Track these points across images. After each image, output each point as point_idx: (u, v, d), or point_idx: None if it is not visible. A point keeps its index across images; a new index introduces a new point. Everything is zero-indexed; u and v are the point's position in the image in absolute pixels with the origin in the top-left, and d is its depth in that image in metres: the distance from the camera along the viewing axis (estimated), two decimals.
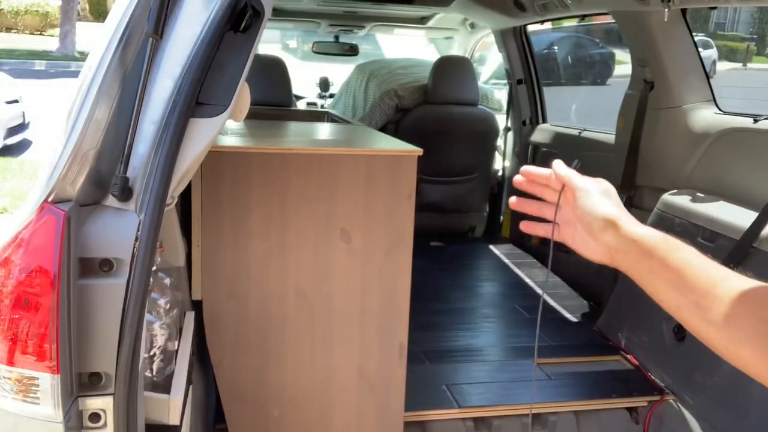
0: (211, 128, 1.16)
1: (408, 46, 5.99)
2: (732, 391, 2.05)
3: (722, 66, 15.09)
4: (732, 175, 2.36)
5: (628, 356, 2.55)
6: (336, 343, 1.91)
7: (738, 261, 2.04)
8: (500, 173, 4.39)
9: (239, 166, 1.77)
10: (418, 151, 1.86)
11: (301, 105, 4.99)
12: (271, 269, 1.83)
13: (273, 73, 3.75)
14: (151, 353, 1.43)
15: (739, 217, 2.11)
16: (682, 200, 2.43)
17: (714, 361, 2.11)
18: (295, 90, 4.43)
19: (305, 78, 5.68)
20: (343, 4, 4.00)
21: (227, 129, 2.06)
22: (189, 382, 1.45)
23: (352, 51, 4.79)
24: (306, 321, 1.88)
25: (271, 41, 7.78)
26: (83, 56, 14.22)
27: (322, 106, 5.04)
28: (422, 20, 4.51)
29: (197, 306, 1.81)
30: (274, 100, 3.61)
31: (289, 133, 2.38)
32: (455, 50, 4.89)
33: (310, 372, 1.91)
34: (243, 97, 1.26)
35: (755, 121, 2.35)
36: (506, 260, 3.80)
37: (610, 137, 3.10)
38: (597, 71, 13.24)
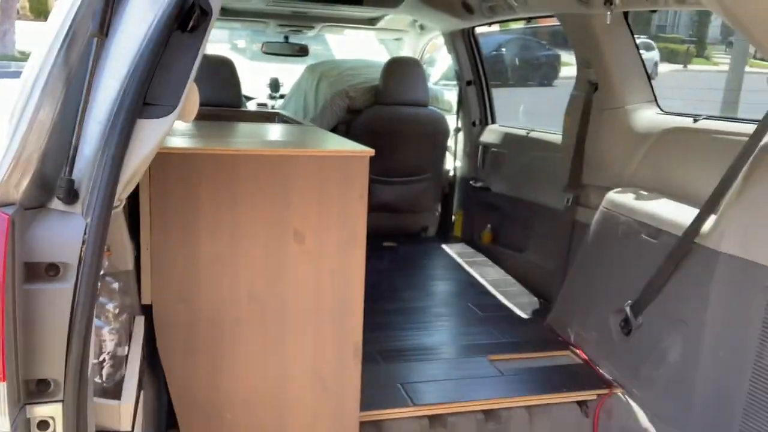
0: (159, 129, 1.15)
1: (358, 47, 6.00)
2: (676, 383, 2.12)
3: (664, 67, 15.55)
4: (673, 173, 2.44)
5: (578, 351, 2.61)
6: (290, 345, 1.90)
7: (680, 256, 2.12)
8: (452, 173, 4.44)
9: (188, 167, 1.74)
10: (370, 151, 1.87)
11: (251, 106, 4.94)
12: (222, 271, 1.81)
13: (222, 73, 3.71)
14: (101, 359, 1.40)
15: (681, 214, 2.18)
16: (626, 198, 2.50)
17: (660, 355, 2.18)
18: (245, 91, 4.39)
19: (255, 79, 5.63)
20: (292, 5, 3.98)
21: (176, 130, 2.03)
22: (140, 387, 1.42)
23: (302, 51, 4.77)
24: (259, 323, 1.86)
25: (219, 41, 7.69)
26: (24, 56, 13.78)
27: (273, 107, 5.01)
28: (372, 21, 4.52)
29: (147, 310, 1.78)
30: (223, 101, 3.57)
31: (239, 134, 2.36)
32: (405, 51, 4.92)
33: (264, 374, 1.90)
34: (191, 97, 1.25)
35: (695, 120, 2.44)
36: (458, 259, 3.84)
37: (557, 137, 3.16)
38: (544, 73, 13.50)
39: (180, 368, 1.83)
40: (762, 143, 1.91)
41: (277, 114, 3.78)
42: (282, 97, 5.14)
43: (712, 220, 2.03)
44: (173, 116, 1.16)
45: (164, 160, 1.66)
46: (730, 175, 1.98)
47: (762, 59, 1.83)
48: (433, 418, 2.20)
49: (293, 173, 1.81)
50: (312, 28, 4.59)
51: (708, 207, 2.04)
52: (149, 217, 1.74)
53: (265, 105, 5.10)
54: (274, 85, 5.25)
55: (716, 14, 1.84)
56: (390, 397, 2.21)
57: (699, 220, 2.06)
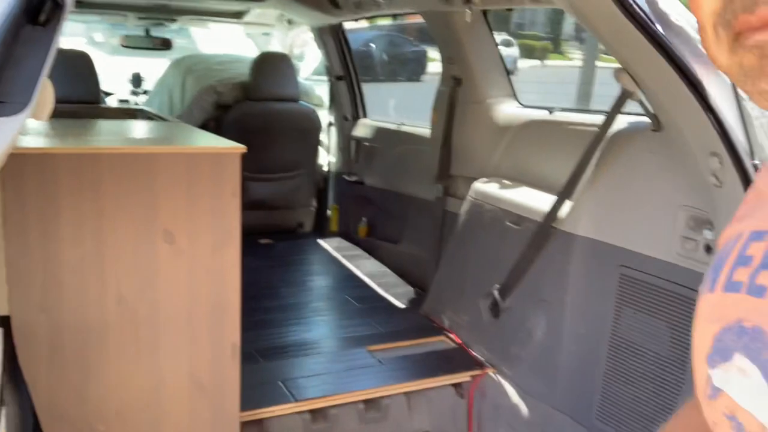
0: (10, 128, 1.08)
1: (225, 42, 5.86)
2: (542, 360, 2.26)
3: (523, 63, 16.39)
4: (532, 162, 2.60)
5: (452, 336, 2.72)
6: (163, 350, 1.84)
7: (541, 240, 2.26)
8: (325, 168, 4.45)
9: (45, 169, 1.64)
10: (242, 148, 1.85)
11: (111, 102, 4.71)
12: (87, 277, 1.72)
13: (79, 68, 3.51)
14: None
15: (540, 201, 2.33)
16: (491, 188, 2.63)
17: (526, 334, 2.32)
18: (104, 86, 4.17)
19: (115, 73, 5.36)
20: None
21: (30, 129, 1.91)
22: (1, 403, 1.33)
23: (164, 45, 4.59)
24: (129, 329, 1.79)
25: (75, 35, 7.25)
26: None
27: (136, 103, 4.80)
28: (237, 15, 4.44)
29: (5, 321, 1.66)
30: (81, 98, 3.37)
31: (100, 131, 2.24)
32: (274, 46, 4.87)
33: (137, 382, 1.83)
34: (45, 94, 1.18)
35: (550, 113, 2.60)
36: (335, 253, 3.87)
37: (426, 131, 3.26)
38: (413, 68, 13.82)
39: (45, 381, 1.73)
40: (610, 133, 2.07)
41: (141, 110, 3.63)
42: (145, 92, 4.92)
43: (568, 205, 2.18)
44: (24, 114, 1.09)
45: (17, 161, 1.56)
46: (582, 164, 2.13)
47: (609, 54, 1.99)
48: (315, 412, 2.21)
49: (161, 172, 1.75)
50: (174, 21, 4.44)
51: (564, 194, 2.18)
52: (2, 224, 1.62)
53: (126, 101, 4.88)
54: (136, 80, 5.03)
55: (567, 13, 1.98)
56: (271, 395, 2.20)
57: (556, 206, 2.20)
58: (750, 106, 1.63)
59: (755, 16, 0.46)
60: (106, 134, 2.21)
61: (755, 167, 1.60)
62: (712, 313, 0.57)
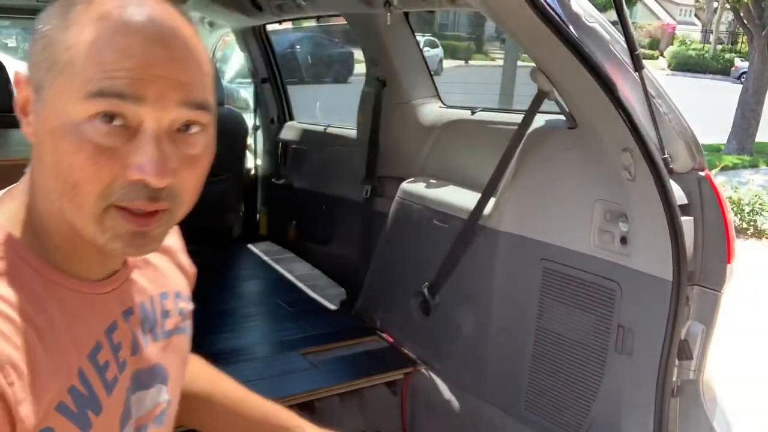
0: None
1: None
2: (472, 355, 2.31)
3: (448, 63, 16.64)
4: (457, 162, 2.65)
5: (384, 335, 2.74)
6: None
7: (467, 238, 2.31)
8: (253, 172, 4.40)
9: None
10: None
11: None
12: None
13: None
14: None
15: (466, 199, 2.38)
16: (418, 187, 2.66)
17: (455, 330, 2.36)
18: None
19: None
20: None
21: None
22: None
23: None
24: None
25: None
26: None
27: None
28: None
29: None
30: None
31: (12, 142, 2.15)
32: None
33: None
34: None
35: (473, 113, 2.65)
36: (265, 257, 3.83)
37: (352, 132, 3.28)
38: (339, 69, 13.81)
39: None
40: (528, 131, 2.14)
41: None
42: None
43: (491, 203, 2.24)
44: None
45: None
46: (503, 162, 2.19)
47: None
48: None
49: None
50: None
51: (488, 191, 2.24)
52: None
53: None
54: None
55: (485, 15, 2.03)
56: None
57: (481, 204, 2.25)
58: (659, 103, 1.71)
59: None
60: (20, 144, 2.12)
61: (665, 161, 1.69)
62: None
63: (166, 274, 0.99)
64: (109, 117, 0.68)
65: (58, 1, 0.73)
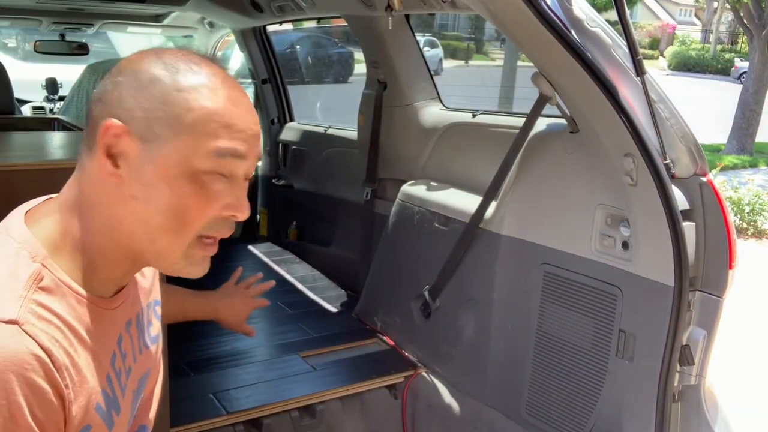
0: None
1: (146, 45, 5.71)
2: (472, 358, 2.30)
3: (448, 63, 16.63)
4: (458, 164, 2.64)
5: (384, 338, 2.74)
6: None
7: (468, 241, 2.30)
8: (254, 172, 4.39)
9: None
10: None
11: (25, 111, 4.51)
12: None
13: None
14: None
15: (467, 203, 2.37)
16: (419, 190, 2.66)
17: (456, 333, 2.36)
18: (18, 94, 3.99)
19: (30, 80, 5.14)
20: (66, 2, 3.69)
21: None
22: None
23: (81, 50, 4.43)
24: None
25: None
26: None
27: (52, 110, 4.61)
28: (157, 18, 4.32)
29: None
30: None
31: (13, 146, 2.15)
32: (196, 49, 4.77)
33: None
34: None
35: (474, 116, 2.65)
36: (266, 258, 3.83)
37: (353, 134, 3.27)
38: (340, 70, 13.80)
39: None
40: (530, 135, 2.13)
41: (57, 119, 3.49)
42: (62, 99, 4.74)
43: (493, 206, 2.23)
44: None
45: None
46: (505, 165, 2.18)
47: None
48: (248, 423, 2.18)
49: None
50: (91, 25, 4.29)
51: (489, 195, 2.23)
52: None
53: (42, 108, 4.68)
54: (52, 86, 4.83)
55: (487, 19, 2.02)
56: (202, 409, 2.16)
57: (482, 208, 2.25)
58: (661, 108, 1.71)
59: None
60: (20, 149, 2.12)
61: (667, 167, 1.68)
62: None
63: (152, 285, 1.12)
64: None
65: (155, 59, 0.86)
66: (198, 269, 0.91)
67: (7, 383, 0.72)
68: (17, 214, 0.90)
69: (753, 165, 11.44)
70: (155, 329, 1.11)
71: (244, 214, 0.88)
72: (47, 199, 0.94)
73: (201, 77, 0.85)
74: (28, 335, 0.75)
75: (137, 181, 0.84)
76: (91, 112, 0.88)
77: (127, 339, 0.96)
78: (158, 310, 1.14)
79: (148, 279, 1.09)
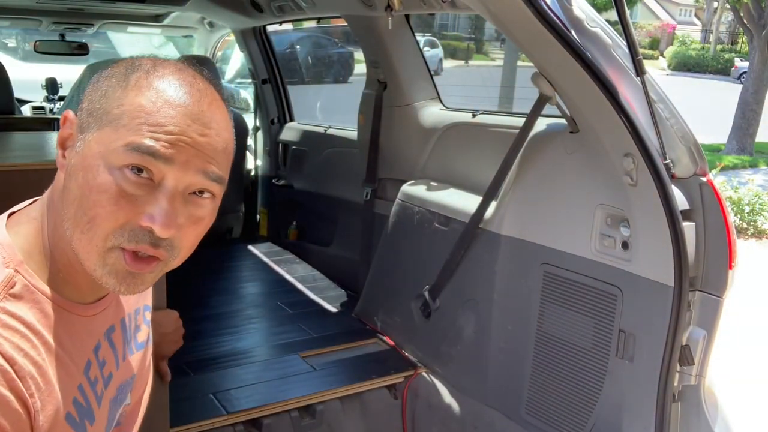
0: None
1: (146, 45, 5.72)
2: (473, 358, 2.30)
3: (448, 63, 16.63)
4: (458, 165, 2.64)
5: (384, 337, 2.74)
6: None
7: (468, 241, 2.30)
8: (253, 172, 4.40)
9: None
10: None
11: (26, 111, 4.51)
12: None
13: None
14: None
15: (467, 203, 2.37)
16: (419, 190, 2.66)
17: (456, 333, 2.36)
18: (18, 94, 3.99)
19: (30, 80, 5.15)
20: (66, 2, 3.69)
21: None
22: None
23: (81, 50, 4.43)
24: None
25: None
26: None
27: (52, 111, 4.61)
28: (157, 18, 4.33)
29: None
30: None
31: (13, 146, 2.15)
32: (196, 49, 4.77)
33: None
34: None
35: (473, 116, 2.65)
36: (266, 259, 3.83)
37: (353, 134, 3.27)
38: (339, 70, 13.79)
39: None
40: (530, 135, 2.13)
41: (57, 119, 3.49)
42: (62, 99, 4.74)
43: (493, 206, 2.23)
44: None
45: None
46: (505, 165, 2.18)
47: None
48: (248, 423, 2.18)
49: None
50: (91, 25, 4.29)
51: (489, 195, 2.23)
52: None
53: (42, 109, 4.68)
54: (52, 85, 4.83)
55: (487, 19, 2.02)
56: (202, 409, 2.16)
57: (482, 208, 2.25)
58: (661, 108, 1.71)
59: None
60: (20, 149, 2.12)
61: (667, 167, 1.68)
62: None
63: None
64: (139, 169, 0.79)
65: (124, 62, 0.86)
66: (120, 283, 0.82)
67: None
68: (1, 217, 0.88)
69: (753, 165, 11.44)
70: (143, 335, 1.08)
71: (163, 231, 0.79)
72: (33, 201, 0.93)
73: (150, 78, 0.82)
74: None
75: (68, 171, 0.83)
76: None
77: (106, 346, 0.93)
78: (147, 315, 1.11)
79: None
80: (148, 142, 0.78)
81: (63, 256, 0.84)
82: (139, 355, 1.06)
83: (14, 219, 0.87)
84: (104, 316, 0.93)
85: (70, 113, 0.84)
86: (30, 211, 0.89)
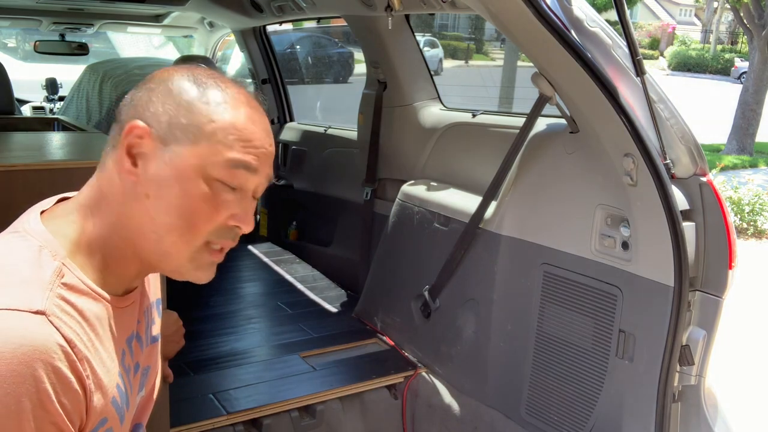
0: None
1: (146, 45, 5.72)
2: (472, 358, 2.30)
3: (448, 63, 16.63)
4: (458, 165, 2.64)
5: (384, 338, 2.74)
6: None
7: (468, 241, 2.30)
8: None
9: None
10: None
11: (26, 111, 4.51)
12: None
13: None
14: None
15: (467, 203, 2.37)
16: (419, 190, 2.66)
17: (456, 333, 2.36)
18: (18, 94, 3.99)
19: (30, 80, 5.15)
20: (66, 2, 3.69)
21: None
22: None
23: (81, 50, 4.43)
24: None
25: None
26: None
27: (52, 111, 4.61)
28: (157, 18, 4.33)
29: None
30: None
31: (13, 146, 2.15)
32: (197, 49, 4.77)
33: None
34: None
35: (473, 116, 2.65)
36: (266, 259, 3.83)
37: (353, 134, 3.27)
38: (339, 70, 13.79)
39: None
40: (530, 135, 2.13)
41: (57, 120, 3.49)
42: (62, 99, 4.74)
43: (492, 206, 2.23)
44: None
45: None
46: (505, 165, 2.18)
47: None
48: (248, 423, 2.18)
49: (78, 188, 1.69)
50: (91, 25, 4.29)
51: (489, 195, 2.23)
52: None
53: (42, 109, 4.68)
54: (52, 85, 4.83)
55: (487, 19, 2.02)
56: (202, 409, 2.16)
57: (482, 208, 2.25)
58: (661, 108, 1.71)
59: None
60: (19, 149, 2.12)
61: (666, 167, 1.68)
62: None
63: (155, 284, 1.15)
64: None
65: (182, 73, 0.92)
66: (205, 274, 0.94)
67: (35, 371, 0.76)
68: (33, 213, 0.93)
69: (753, 165, 11.44)
70: (157, 328, 1.13)
71: (248, 227, 0.93)
72: (60, 199, 0.98)
73: (226, 95, 0.92)
74: (54, 326, 0.79)
75: (152, 180, 0.89)
76: (120, 113, 0.93)
77: (135, 337, 1.00)
78: (160, 308, 1.17)
79: (152, 276, 1.12)
80: (245, 157, 0.90)
81: (116, 251, 0.91)
82: (154, 347, 1.11)
83: (47, 216, 0.92)
84: (133, 309, 0.99)
85: (142, 123, 0.89)
86: (63, 208, 0.94)
